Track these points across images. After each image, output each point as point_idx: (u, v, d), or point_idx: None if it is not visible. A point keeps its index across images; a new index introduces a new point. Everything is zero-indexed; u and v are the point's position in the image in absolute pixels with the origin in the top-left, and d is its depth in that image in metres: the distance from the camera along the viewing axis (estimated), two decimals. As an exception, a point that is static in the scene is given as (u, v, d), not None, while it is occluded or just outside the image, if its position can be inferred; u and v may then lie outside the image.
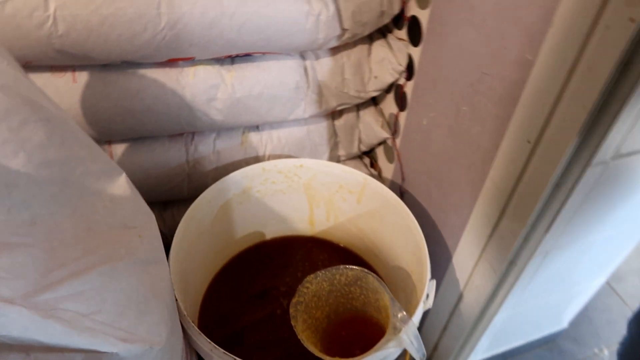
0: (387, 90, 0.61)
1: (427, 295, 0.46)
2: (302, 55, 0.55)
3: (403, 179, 0.62)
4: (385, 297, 0.44)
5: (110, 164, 0.39)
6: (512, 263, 0.48)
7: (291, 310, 0.44)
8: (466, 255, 0.51)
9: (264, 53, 0.52)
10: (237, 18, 0.46)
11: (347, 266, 0.46)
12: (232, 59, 0.52)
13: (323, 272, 0.46)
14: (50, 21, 0.39)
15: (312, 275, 0.46)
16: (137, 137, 0.53)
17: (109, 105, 0.47)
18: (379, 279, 0.45)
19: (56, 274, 0.31)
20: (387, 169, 0.66)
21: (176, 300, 0.42)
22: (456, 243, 0.53)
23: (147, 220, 0.40)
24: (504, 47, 0.39)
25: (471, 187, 0.48)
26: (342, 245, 0.63)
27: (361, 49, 0.57)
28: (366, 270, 0.46)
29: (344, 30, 0.52)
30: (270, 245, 0.62)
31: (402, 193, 0.62)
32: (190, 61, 0.50)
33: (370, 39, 0.58)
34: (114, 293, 0.33)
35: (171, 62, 0.49)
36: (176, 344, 0.38)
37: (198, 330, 0.41)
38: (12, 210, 0.31)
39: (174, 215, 0.61)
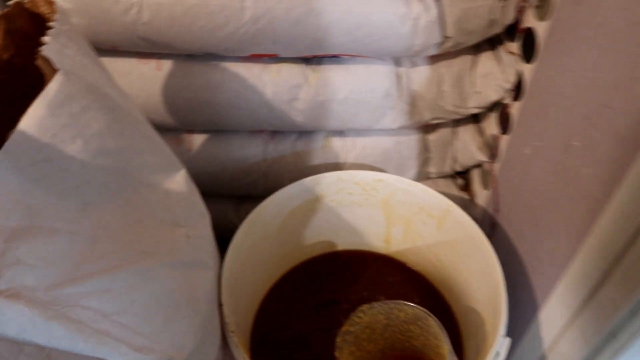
0: (491, 108, 0.54)
1: (498, 354, 0.39)
2: (396, 61, 0.51)
3: (497, 210, 0.54)
4: (445, 348, 0.38)
5: (170, 159, 0.38)
6: (611, 335, 0.39)
7: (338, 340, 0.41)
8: (555, 315, 0.43)
9: (353, 56, 0.48)
10: (325, 17, 0.42)
11: (407, 303, 0.41)
12: (319, 59, 0.49)
13: (380, 304, 0.42)
14: (136, 8, 0.39)
15: (367, 305, 0.42)
16: (217, 129, 0.52)
17: (189, 96, 0.47)
18: (440, 326, 0.39)
19: (89, 266, 0.30)
20: (481, 195, 0.59)
21: (221, 305, 0.41)
22: (545, 297, 0.45)
23: (200, 220, 0.38)
24: (635, 77, 0.31)
25: (571, 237, 0.40)
26: (416, 269, 0.58)
27: (464, 60, 0.51)
28: (427, 312, 0.41)
29: (445, 37, 0.46)
30: (340, 257, 0.59)
31: (493, 225, 0.55)
32: (275, 58, 0.47)
33: (476, 49, 0.51)
34: (144, 294, 0.32)
35: (254, 58, 0.47)
36: (205, 357, 0.36)
37: (236, 341, 0.39)
38: (64, 195, 0.31)
39: (249, 211, 0.60)
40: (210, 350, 0.37)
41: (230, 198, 0.59)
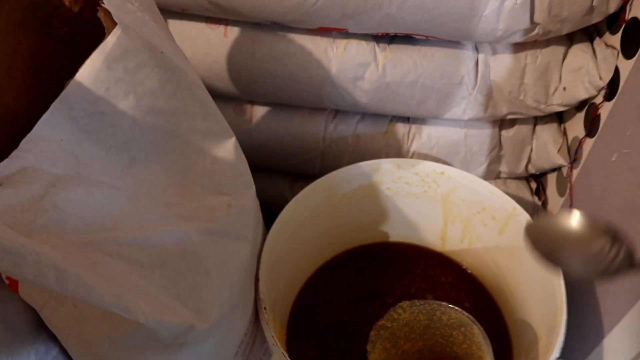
0: (578, 107, 0.48)
1: (547, 377, 0.35)
2: (475, 47, 0.47)
3: (569, 220, 0.49)
4: (487, 361, 0.35)
5: (221, 125, 0.37)
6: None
7: (372, 334, 0.39)
8: (622, 346, 0.38)
9: (427, 37, 0.45)
10: (399, -10, 0.39)
11: (453, 306, 0.38)
12: (390, 38, 0.47)
13: (422, 303, 0.39)
14: (206, -30, 0.39)
15: (408, 302, 0.39)
16: (278, 103, 0.51)
17: (252, 65, 0.46)
18: (485, 336, 0.36)
19: (126, 222, 0.30)
20: (555, 202, 0.53)
21: (257, 280, 0.40)
22: (614, 323, 0.40)
23: (244, 191, 0.37)
24: None
25: (652, 261, 0.35)
26: (471, 272, 0.54)
27: (554, 50, 0.46)
28: (473, 319, 0.37)
29: (534, 24, 0.42)
30: (390, 249, 0.56)
31: (563, 236, 0.50)
32: (344, 33, 0.45)
33: (569, 39, 0.46)
34: (175, 258, 0.31)
35: (323, 31, 0.45)
36: (233, 328, 0.36)
37: (266, 319, 0.38)
38: (112, 150, 0.31)
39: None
40: (239, 324, 0.36)
41: (285, 174, 0.58)
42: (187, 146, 0.34)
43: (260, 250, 0.42)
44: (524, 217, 0.44)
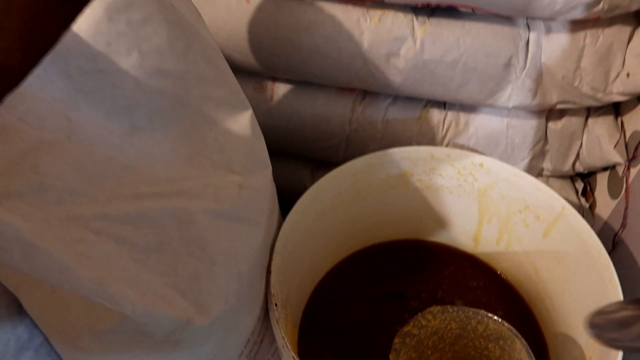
0: (641, 97, 0.43)
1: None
2: (527, 24, 0.41)
3: (624, 225, 0.44)
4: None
5: (237, 95, 0.32)
6: None
7: (396, 341, 0.34)
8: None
9: (473, 9, 0.39)
10: (446, -49, 0.34)
11: (491, 315, 0.33)
12: (431, 10, 0.42)
13: (455, 309, 0.34)
14: None
15: (439, 308, 0.34)
16: (302, 80, 0.47)
17: (275, 35, 0.41)
18: (530, 354, 0.31)
19: (119, 195, 0.26)
20: (605, 205, 0.48)
21: (269, 273, 0.35)
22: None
23: (259, 171, 0.33)
24: None
25: None
26: (507, 278, 0.49)
27: (618, 31, 0.40)
28: (516, 332, 0.32)
29: (599, -4, 0.36)
30: (417, 247, 0.51)
31: (615, 244, 0.44)
32: (379, 2, 0.40)
33: (636, 19, 0.40)
34: (175, 240, 0.27)
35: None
36: (239, 326, 0.31)
37: (277, 316, 0.34)
38: (112, 113, 0.27)
39: (325, 177, 0.54)
40: (246, 320, 0.32)
41: (306, 161, 0.54)
42: (197, 115, 0.30)
43: (274, 240, 0.37)
44: (575, 218, 0.39)
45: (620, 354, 0.31)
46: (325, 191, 0.42)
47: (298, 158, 0.53)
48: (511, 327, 0.33)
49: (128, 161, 0.27)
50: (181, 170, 0.29)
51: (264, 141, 0.35)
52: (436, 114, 0.48)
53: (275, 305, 0.34)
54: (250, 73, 0.47)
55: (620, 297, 0.34)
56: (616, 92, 0.41)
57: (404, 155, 0.44)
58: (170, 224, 0.27)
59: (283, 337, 0.32)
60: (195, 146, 0.30)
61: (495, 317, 0.33)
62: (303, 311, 0.46)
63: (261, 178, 0.33)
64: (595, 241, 0.37)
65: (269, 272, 0.36)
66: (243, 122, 0.33)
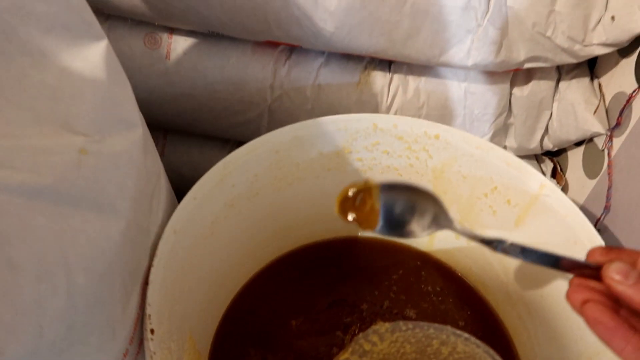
0: (625, 50, 0.35)
1: None
2: (491, -47, 0.33)
3: (607, 209, 0.36)
4: None
5: (84, 18, 0.22)
6: None
7: (328, 376, 0.24)
8: None
9: None
10: None
11: (459, 333, 0.24)
12: None
13: (410, 326, 0.24)
14: None
15: (386, 325, 0.25)
16: (207, 32, 0.36)
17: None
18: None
19: None
20: (581, 186, 0.40)
21: (147, 284, 0.24)
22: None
23: (119, 132, 0.22)
24: None
25: None
26: (468, 280, 0.40)
27: (602, -39, 0.32)
28: (493, 352, 0.23)
29: None
30: (358, 246, 0.42)
31: (598, 231, 0.36)
32: None
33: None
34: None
35: None
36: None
37: (152, 350, 0.22)
38: None
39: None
40: (98, 354, 0.20)
41: (221, 142, 0.43)
42: (11, 43, 0.19)
43: (158, 237, 0.26)
44: (558, 198, 0.30)
45: None
46: (237, 172, 0.32)
47: (210, 139, 0.42)
48: (489, 349, 0.23)
49: None
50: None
51: (130, 90, 0.24)
52: (379, 78, 0.38)
53: (152, 331, 0.23)
54: (139, 22, 0.36)
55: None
56: (597, 42, 0.33)
57: (340, 126, 0.34)
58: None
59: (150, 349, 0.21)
60: (13, 88, 0.19)
61: (466, 335, 0.24)
62: (214, 337, 0.35)
63: (121, 142, 0.22)
64: (586, 226, 0.29)
65: (146, 283, 0.25)
66: (93, 57, 0.22)
